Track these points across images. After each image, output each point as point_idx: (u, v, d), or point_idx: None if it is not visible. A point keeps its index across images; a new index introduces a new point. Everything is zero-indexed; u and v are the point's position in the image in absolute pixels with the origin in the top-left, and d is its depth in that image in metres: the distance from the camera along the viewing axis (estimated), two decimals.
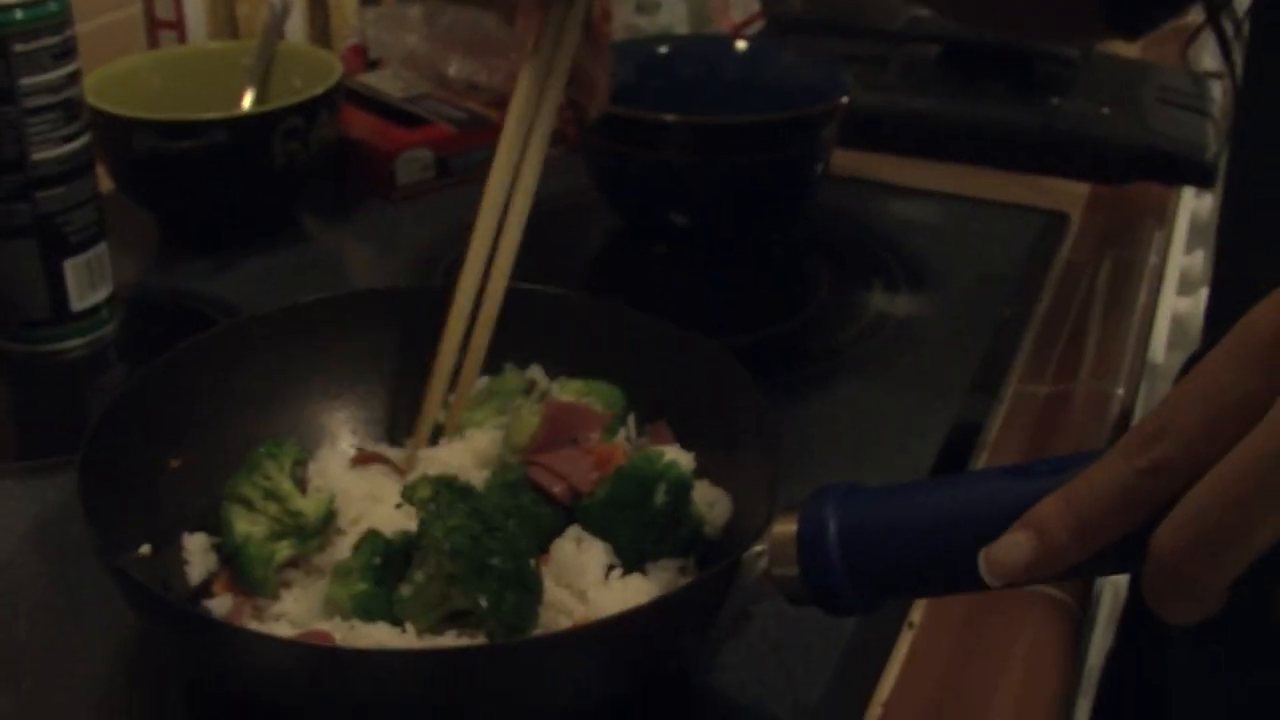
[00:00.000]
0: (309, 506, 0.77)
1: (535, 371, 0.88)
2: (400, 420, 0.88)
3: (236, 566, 0.76)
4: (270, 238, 1.21)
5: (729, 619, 0.68)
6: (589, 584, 0.73)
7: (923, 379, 1.04)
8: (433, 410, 0.85)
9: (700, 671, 0.76)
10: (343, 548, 0.76)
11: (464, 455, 0.82)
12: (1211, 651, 0.81)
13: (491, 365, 0.88)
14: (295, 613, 0.74)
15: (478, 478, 0.79)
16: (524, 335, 0.85)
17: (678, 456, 0.78)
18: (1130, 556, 0.52)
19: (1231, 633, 0.78)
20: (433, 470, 0.79)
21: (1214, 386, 0.48)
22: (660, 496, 0.75)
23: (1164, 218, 1.33)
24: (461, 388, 0.85)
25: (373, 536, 0.73)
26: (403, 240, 1.23)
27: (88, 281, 1.04)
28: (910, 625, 0.80)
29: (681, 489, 0.76)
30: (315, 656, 0.66)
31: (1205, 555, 0.48)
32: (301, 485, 0.79)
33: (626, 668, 0.69)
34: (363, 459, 0.84)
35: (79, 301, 1.04)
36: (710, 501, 0.79)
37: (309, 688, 0.66)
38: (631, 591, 0.73)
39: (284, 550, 0.77)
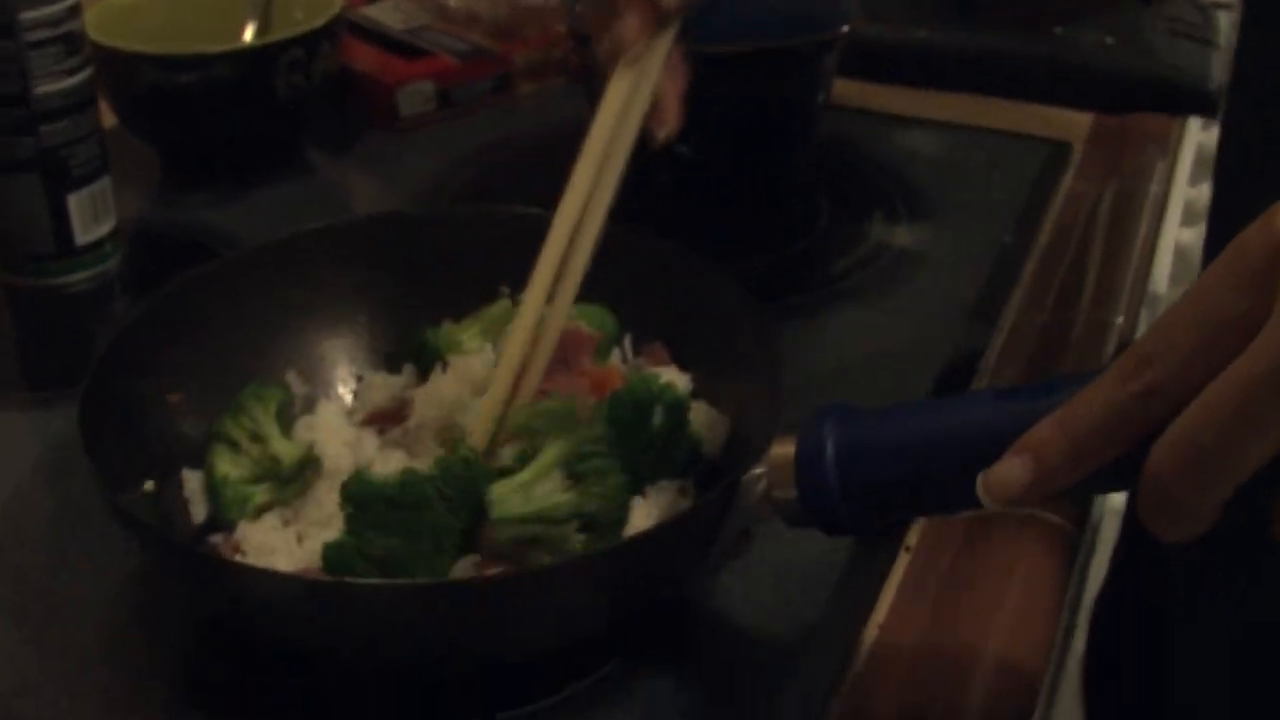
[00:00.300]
0: (287, 450, 0.78)
1: None
2: (401, 348, 0.88)
3: (215, 506, 0.77)
4: (273, 170, 1.22)
5: (728, 542, 0.69)
6: None
7: (922, 307, 1.04)
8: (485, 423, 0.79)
9: (700, 596, 0.76)
10: (324, 497, 0.76)
11: (458, 385, 0.82)
12: (1208, 574, 0.82)
13: (484, 289, 0.88)
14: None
15: (473, 408, 0.79)
16: (516, 259, 0.86)
17: (674, 378, 0.78)
18: (1125, 477, 0.52)
19: (1226, 554, 0.79)
20: (430, 407, 0.80)
21: (1206, 309, 0.49)
22: (657, 419, 0.75)
23: (1167, 148, 1.33)
24: (516, 404, 0.79)
25: (349, 484, 0.72)
26: (405, 171, 1.23)
27: (91, 215, 1.04)
28: (907, 549, 0.80)
29: (678, 411, 0.76)
30: (321, 590, 0.66)
31: (1197, 475, 0.48)
32: (289, 428, 0.80)
33: (627, 594, 0.70)
34: (373, 419, 0.84)
35: (83, 235, 1.04)
36: (708, 423, 0.79)
37: (313, 622, 0.67)
38: (632, 514, 0.74)
39: (261, 495, 0.77)
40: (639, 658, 0.72)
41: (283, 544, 0.74)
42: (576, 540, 0.71)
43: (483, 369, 0.82)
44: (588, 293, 0.85)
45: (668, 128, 0.88)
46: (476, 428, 0.77)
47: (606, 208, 0.81)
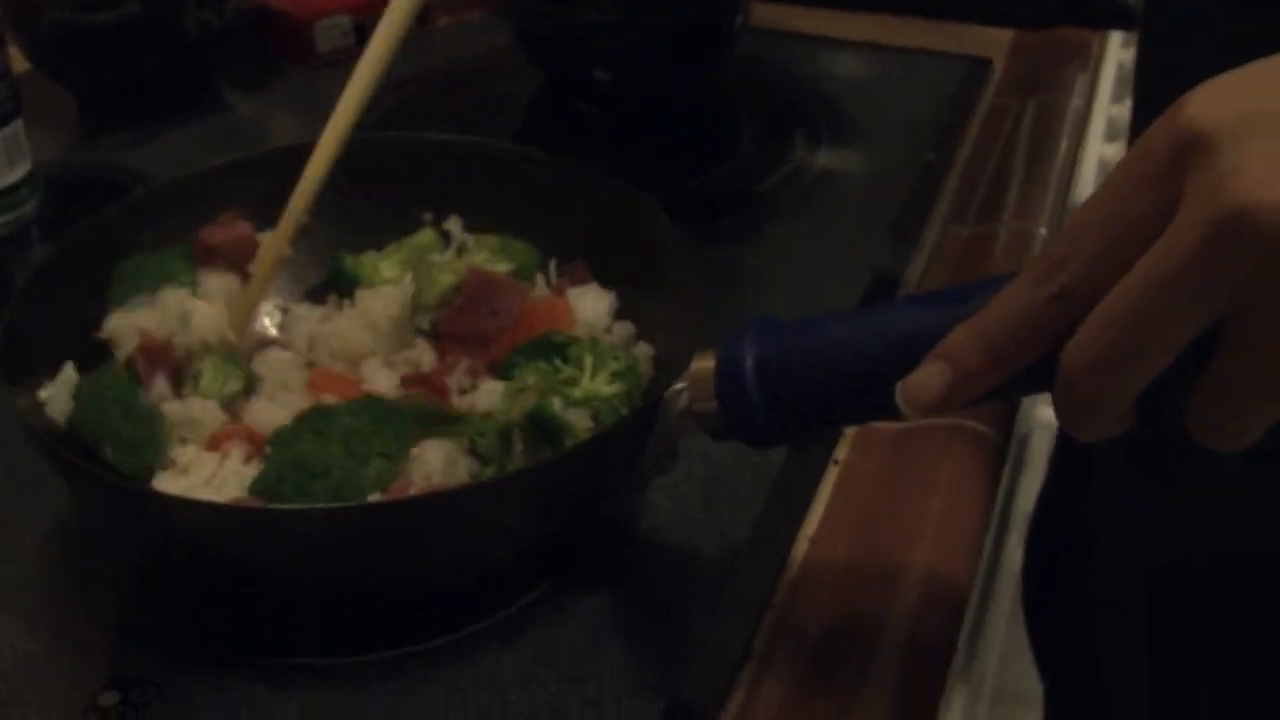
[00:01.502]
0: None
1: (453, 224, 0.88)
2: (320, 277, 0.88)
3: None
4: (190, 108, 1.20)
5: (655, 458, 0.69)
6: None
7: (846, 224, 1.05)
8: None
9: (631, 515, 0.77)
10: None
11: (358, 329, 0.82)
12: (1129, 479, 0.83)
13: (408, 217, 0.88)
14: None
15: (373, 359, 0.80)
16: (440, 187, 0.85)
17: (597, 296, 0.78)
18: (1042, 379, 0.53)
19: (1145, 457, 0.80)
20: (323, 350, 0.80)
21: (1111, 210, 0.49)
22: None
23: (1087, 62, 1.33)
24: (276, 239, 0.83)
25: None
26: (323, 106, 1.19)
27: (5, 160, 1.02)
28: (836, 462, 0.81)
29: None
30: (240, 517, 0.66)
31: (1108, 373, 0.49)
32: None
33: (554, 512, 0.70)
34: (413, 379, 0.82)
35: None
36: (629, 340, 0.80)
37: (240, 549, 0.67)
38: None
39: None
40: (572, 579, 0.73)
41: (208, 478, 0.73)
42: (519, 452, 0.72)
43: (383, 308, 0.82)
44: (511, 225, 0.85)
45: None
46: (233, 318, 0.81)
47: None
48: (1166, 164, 0.47)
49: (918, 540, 0.76)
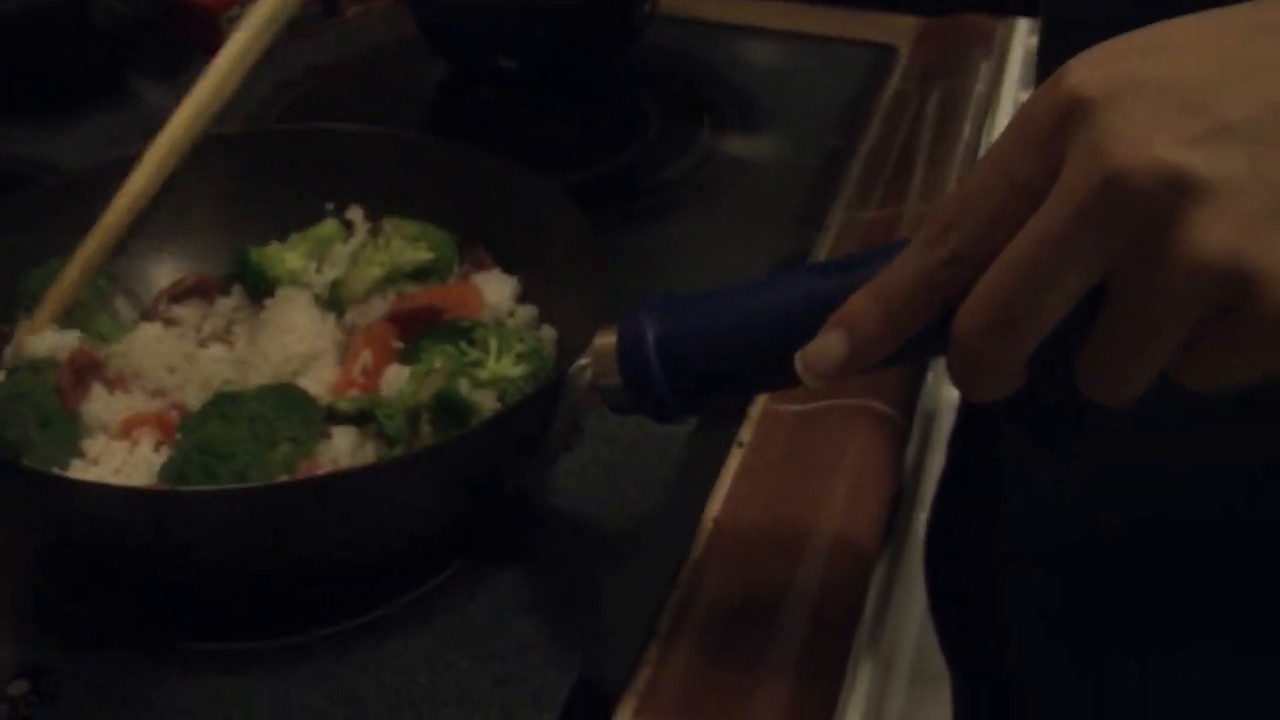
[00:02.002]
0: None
1: (354, 213, 0.88)
2: (230, 268, 0.88)
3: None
4: (97, 100, 1.20)
5: (560, 434, 0.70)
6: None
7: (752, 210, 1.06)
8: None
9: (538, 494, 0.78)
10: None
11: (280, 328, 0.82)
12: (1035, 442, 0.84)
13: (309, 208, 0.88)
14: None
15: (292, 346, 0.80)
16: (340, 176, 0.85)
17: (500, 281, 0.79)
18: (936, 342, 0.54)
19: (1039, 431, 0.81)
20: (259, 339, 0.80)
21: (999, 173, 0.50)
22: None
23: (992, 48, 1.35)
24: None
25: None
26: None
27: None
28: (740, 444, 0.82)
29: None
30: (145, 500, 0.67)
31: (999, 333, 0.50)
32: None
33: (460, 490, 0.71)
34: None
35: None
36: (532, 323, 0.81)
37: (143, 534, 0.67)
38: None
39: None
40: (480, 560, 0.73)
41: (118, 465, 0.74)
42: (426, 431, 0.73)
43: (301, 313, 0.82)
44: (412, 212, 0.85)
45: None
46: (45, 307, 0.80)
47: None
48: (1050, 128, 0.48)
49: (822, 519, 0.77)
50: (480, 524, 0.75)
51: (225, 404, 0.72)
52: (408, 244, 0.84)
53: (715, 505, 0.78)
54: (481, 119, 1.19)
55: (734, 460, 0.81)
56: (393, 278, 0.84)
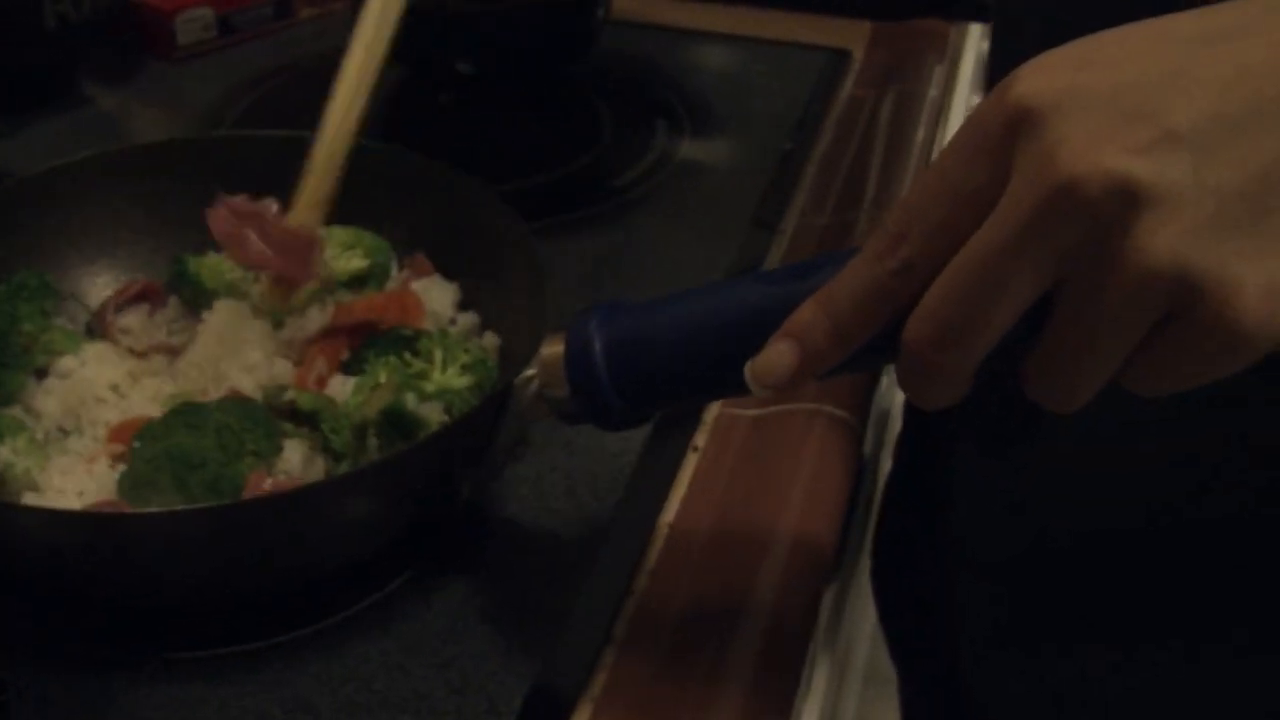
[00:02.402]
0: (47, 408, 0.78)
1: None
2: (165, 276, 0.87)
3: None
4: (48, 103, 1.19)
5: (506, 445, 0.70)
6: None
7: (707, 214, 1.06)
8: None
9: (492, 501, 0.78)
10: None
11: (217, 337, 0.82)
12: (983, 451, 0.84)
13: None
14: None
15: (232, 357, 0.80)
16: (274, 183, 0.84)
17: (440, 288, 0.79)
18: (887, 351, 0.54)
19: (987, 438, 0.82)
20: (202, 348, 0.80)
21: (947, 183, 0.50)
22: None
23: (944, 53, 1.36)
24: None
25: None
26: (185, 100, 1.21)
27: None
28: (695, 449, 0.82)
29: None
30: (97, 524, 0.66)
31: (948, 341, 0.50)
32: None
33: (409, 503, 0.71)
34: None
35: None
36: (474, 329, 0.82)
37: (93, 556, 0.67)
38: None
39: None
40: (435, 567, 0.73)
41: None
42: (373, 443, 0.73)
43: (238, 320, 0.82)
44: (351, 219, 0.85)
45: None
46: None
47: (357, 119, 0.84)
48: (998, 138, 0.49)
49: (778, 524, 0.77)
50: (436, 532, 0.75)
51: (189, 414, 0.71)
52: (341, 252, 0.84)
53: (670, 511, 0.78)
54: (437, 124, 1.19)
55: (689, 466, 0.81)
56: (329, 287, 0.83)
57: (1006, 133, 0.48)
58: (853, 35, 1.35)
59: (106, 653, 0.69)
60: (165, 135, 1.16)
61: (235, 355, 0.79)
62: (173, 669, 0.68)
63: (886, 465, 1.11)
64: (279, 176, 0.84)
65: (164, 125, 1.20)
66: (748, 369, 0.57)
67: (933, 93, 1.27)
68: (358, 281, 0.84)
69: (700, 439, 0.83)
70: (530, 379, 0.66)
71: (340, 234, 0.85)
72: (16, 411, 0.77)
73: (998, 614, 0.84)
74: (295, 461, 0.72)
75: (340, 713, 0.65)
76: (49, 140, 1.14)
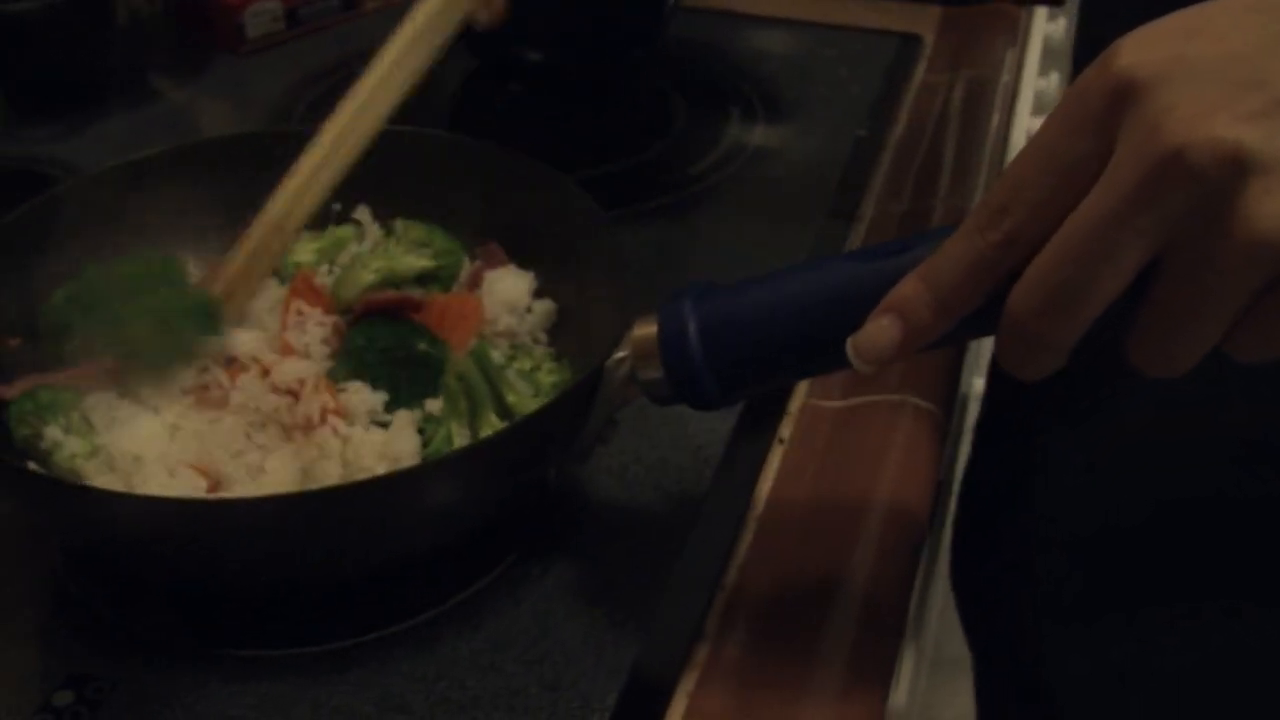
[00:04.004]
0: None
1: (362, 213, 0.87)
2: None
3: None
4: (119, 98, 1.19)
5: (596, 429, 0.69)
6: None
7: (782, 203, 1.05)
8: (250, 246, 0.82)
9: (578, 495, 0.77)
10: None
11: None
12: (1075, 420, 0.84)
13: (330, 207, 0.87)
14: None
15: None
16: (362, 177, 0.84)
17: (515, 277, 0.78)
18: (984, 323, 0.54)
19: (1089, 396, 0.82)
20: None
21: (1051, 155, 0.51)
22: None
23: (1015, 37, 1.34)
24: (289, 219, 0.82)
25: None
26: (254, 93, 1.21)
27: None
28: (781, 441, 0.81)
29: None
30: (176, 510, 0.65)
31: (1054, 310, 0.51)
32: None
33: (500, 488, 0.70)
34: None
35: None
36: (550, 316, 0.82)
37: (175, 543, 0.66)
38: None
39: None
40: (525, 561, 0.73)
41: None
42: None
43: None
44: (422, 211, 0.85)
45: (492, 10, 0.88)
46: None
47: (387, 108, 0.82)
48: (1101, 109, 0.49)
49: (865, 514, 0.76)
50: (523, 526, 0.75)
51: None
52: (410, 249, 0.83)
53: (759, 503, 0.77)
54: (508, 113, 1.18)
55: (775, 457, 0.80)
56: (392, 283, 0.82)
57: (1111, 104, 0.49)
58: (923, 20, 1.34)
59: (197, 649, 0.69)
60: (234, 129, 1.17)
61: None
62: (263, 666, 0.68)
63: (963, 450, 1.11)
64: (370, 166, 0.84)
65: (233, 119, 1.20)
66: (850, 344, 0.57)
67: (1005, 78, 1.26)
68: (425, 279, 0.84)
69: (786, 430, 0.82)
70: (622, 361, 0.65)
71: (415, 230, 0.84)
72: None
73: (1071, 588, 0.84)
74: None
75: (435, 710, 0.65)
76: (119, 136, 1.14)
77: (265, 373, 0.75)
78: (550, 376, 0.78)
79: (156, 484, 0.70)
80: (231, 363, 0.77)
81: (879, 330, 0.56)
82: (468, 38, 1.19)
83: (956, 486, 1.04)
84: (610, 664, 0.67)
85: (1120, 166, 0.48)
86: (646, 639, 0.69)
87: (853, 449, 0.81)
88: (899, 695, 0.85)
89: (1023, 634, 0.89)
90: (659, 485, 0.78)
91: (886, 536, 0.75)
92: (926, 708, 1.26)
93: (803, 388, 0.85)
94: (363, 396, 0.74)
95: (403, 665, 0.67)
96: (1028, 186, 0.51)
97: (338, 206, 0.87)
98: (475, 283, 0.83)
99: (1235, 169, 0.46)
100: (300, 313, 0.79)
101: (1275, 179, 0.46)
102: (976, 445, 1.02)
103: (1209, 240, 0.47)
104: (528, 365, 0.79)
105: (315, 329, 0.78)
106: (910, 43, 1.29)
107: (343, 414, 0.73)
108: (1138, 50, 0.49)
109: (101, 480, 0.71)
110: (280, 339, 0.78)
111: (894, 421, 0.83)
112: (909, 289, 0.55)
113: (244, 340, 0.78)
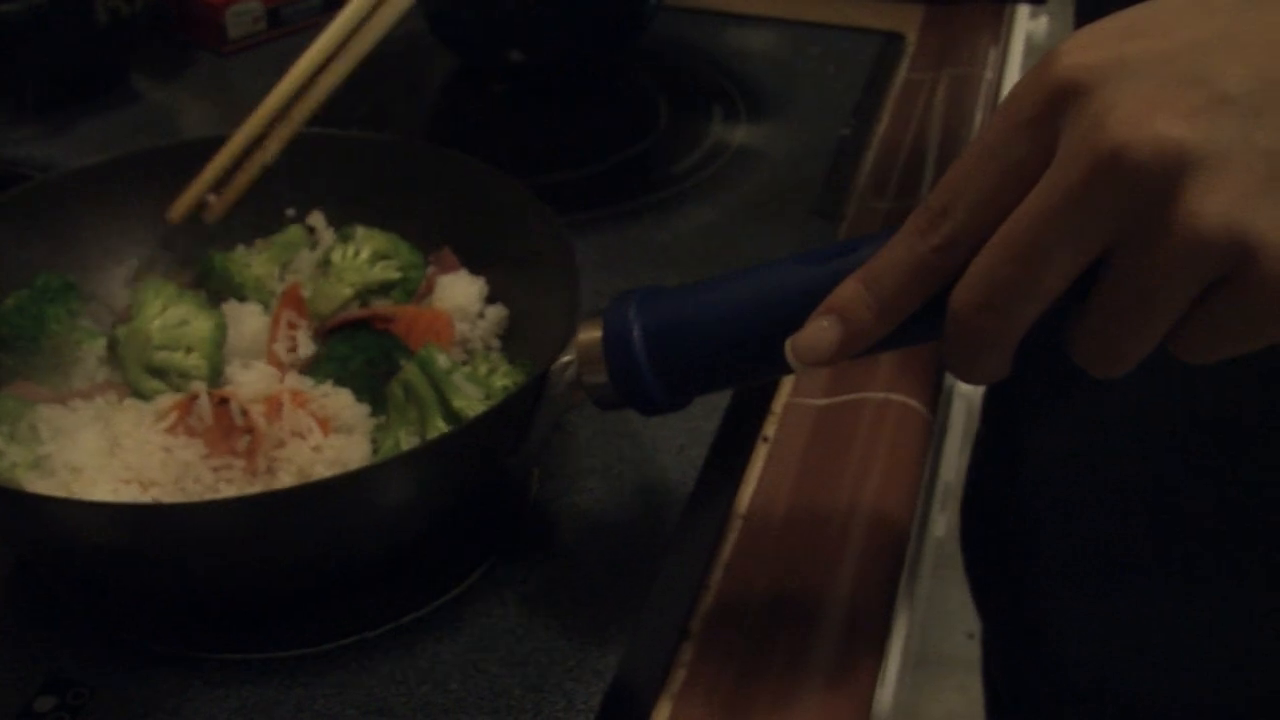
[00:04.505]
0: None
1: (315, 219, 0.87)
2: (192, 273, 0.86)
3: None
4: (101, 98, 1.19)
5: (542, 433, 0.68)
6: None
7: (766, 201, 1.05)
8: (198, 189, 0.83)
9: (560, 495, 0.77)
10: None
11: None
12: (1064, 405, 0.85)
13: (272, 212, 0.87)
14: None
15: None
16: (300, 180, 0.83)
17: (467, 282, 0.78)
18: (925, 328, 0.54)
19: (1066, 398, 0.82)
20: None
21: (992, 156, 0.50)
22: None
23: (998, 35, 1.34)
24: (238, 181, 0.83)
25: None
26: (236, 93, 1.21)
27: None
28: (765, 439, 0.81)
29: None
30: (131, 514, 0.65)
31: (996, 309, 0.50)
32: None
33: (443, 489, 0.70)
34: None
35: None
36: (502, 322, 0.82)
37: (118, 550, 0.66)
38: None
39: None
40: (506, 564, 0.72)
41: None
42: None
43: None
44: (375, 217, 0.85)
45: None
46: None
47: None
48: (1042, 109, 0.49)
49: (852, 513, 0.76)
50: (505, 528, 0.74)
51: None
52: (377, 261, 0.83)
53: (743, 502, 0.77)
54: (490, 114, 1.18)
55: (759, 456, 0.80)
56: (363, 294, 0.83)
57: (1051, 105, 0.49)
58: (906, 18, 1.34)
59: (179, 653, 0.68)
60: (218, 129, 1.16)
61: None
62: (245, 670, 0.68)
63: (949, 446, 1.11)
64: (288, 174, 0.84)
65: (215, 119, 1.20)
66: (789, 345, 0.57)
67: (988, 75, 1.26)
68: (387, 287, 0.84)
69: (770, 429, 0.82)
70: (567, 365, 0.65)
71: (376, 239, 0.84)
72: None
73: (1068, 550, 0.86)
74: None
75: (418, 713, 0.65)
76: (101, 136, 1.14)
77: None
78: (503, 380, 0.77)
79: (96, 494, 0.69)
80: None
81: (818, 331, 0.55)
82: (450, 37, 1.19)
83: (951, 475, 1.05)
84: (594, 665, 0.67)
85: (1061, 165, 0.48)
86: (631, 639, 0.68)
87: (837, 446, 0.81)
88: (885, 693, 0.85)
89: (1022, 594, 0.90)
90: (642, 485, 0.77)
91: (871, 534, 0.75)
92: (913, 705, 1.26)
93: (787, 385, 0.85)
94: (346, 403, 0.74)
95: (385, 668, 0.67)
96: (969, 188, 0.51)
97: (291, 212, 0.87)
98: (429, 288, 0.83)
99: (1176, 166, 0.46)
100: (291, 325, 0.79)
101: (1217, 176, 0.45)
102: (983, 422, 1.03)
103: (1151, 239, 0.47)
104: (483, 370, 0.78)
105: (306, 341, 0.79)
106: (893, 41, 1.29)
107: (323, 424, 0.73)
108: (1079, 50, 0.48)
109: (38, 488, 0.70)
110: (268, 350, 0.78)
111: (879, 419, 0.83)
112: (849, 290, 0.55)
113: (248, 380, 0.77)
